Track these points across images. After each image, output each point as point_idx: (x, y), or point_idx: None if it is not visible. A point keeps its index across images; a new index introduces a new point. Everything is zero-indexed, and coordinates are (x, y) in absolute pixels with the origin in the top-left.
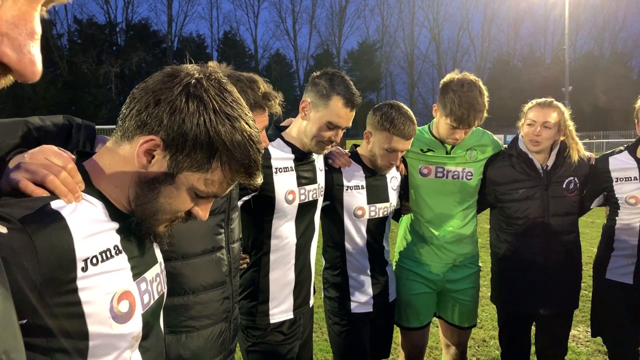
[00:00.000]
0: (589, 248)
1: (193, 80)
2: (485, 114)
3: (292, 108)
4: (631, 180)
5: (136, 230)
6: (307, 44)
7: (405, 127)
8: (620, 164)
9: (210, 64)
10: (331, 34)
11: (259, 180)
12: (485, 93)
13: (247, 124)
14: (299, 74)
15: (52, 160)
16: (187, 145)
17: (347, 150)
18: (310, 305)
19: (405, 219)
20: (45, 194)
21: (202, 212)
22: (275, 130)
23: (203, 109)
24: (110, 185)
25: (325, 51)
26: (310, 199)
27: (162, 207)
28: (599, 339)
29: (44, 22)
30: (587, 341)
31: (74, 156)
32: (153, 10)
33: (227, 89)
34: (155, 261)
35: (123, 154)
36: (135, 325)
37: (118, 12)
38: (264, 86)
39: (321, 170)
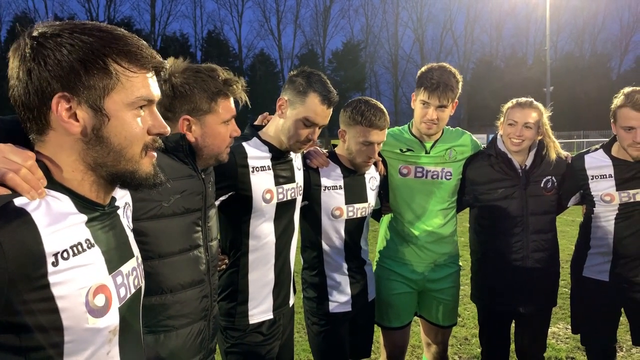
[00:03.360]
0: (569, 246)
1: (26, 38)
2: (458, 92)
3: (246, 82)
4: (606, 177)
5: (130, 183)
6: (291, 43)
7: (377, 118)
8: (595, 162)
9: (168, 60)
10: (316, 34)
11: (158, 56)
12: (460, 80)
13: (99, 25)
14: (284, 74)
15: (10, 158)
16: (81, 74)
17: (325, 150)
18: (291, 305)
19: (386, 219)
20: (6, 192)
21: (158, 123)
22: (252, 129)
23: (60, 39)
24: (68, 174)
25: (310, 51)
26: (289, 198)
27: (121, 145)
28: (578, 336)
29: (23, 19)
30: (566, 338)
31: (33, 153)
32: (136, 9)
33: (55, 22)
34: (131, 255)
35: (54, 141)
36: (111, 319)
37: (100, 11)
38: (223, 73)
39: (299, 170)
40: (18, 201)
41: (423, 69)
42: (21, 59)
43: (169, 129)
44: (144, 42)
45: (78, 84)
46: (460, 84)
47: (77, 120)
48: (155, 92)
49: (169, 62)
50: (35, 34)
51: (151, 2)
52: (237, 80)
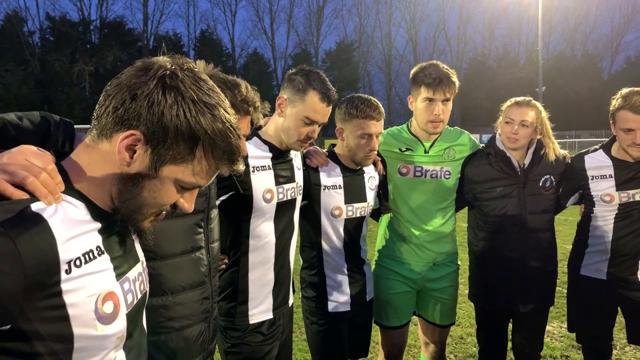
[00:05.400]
0: (563, 245)
1: (167, 72)
2: (457, 85)
3: (270, 108)
4: (606, 178)
5: (122, 227)
6: (285, 43)
7: (372, 109)
8: (595, 162)
9: (198, 63)
10: (309, 34)
11: (242, 167)
12: (454, 74)
13: (225, 111)
14: (277, 74)
15: (31, 161)
16: (168, 137)
17: (324, 150)
18: (290, 305)
19: (385, 219)
20: (25, 196)
21: (188, 203)
22: (252, 129)
23: (181, 100)
24: (90, 184)
25: (303, 50)
26: (289, 197)
27: (147, 202)
28: (573, 334)
29: (14, 17)
30: (561, 336)
31: (53, 156)
32: (128, 8)
33: (201, 78)
34: (137, 260)
35: (102, 152)
36: (119, 326)
37: (92, 10)
38: (247, 92)
39: (299, 169)
40: (35, 206)
41: (416, 68)
42: (145, 79)
43: (192, 209)
44: (240, 145)
45: (159, 141)
46: (456, 77)
47: (131, 157)
48: (208, 183)
49: (200, 67)
50: (168, 80)
51: (144, 1)
52: (257, 102)
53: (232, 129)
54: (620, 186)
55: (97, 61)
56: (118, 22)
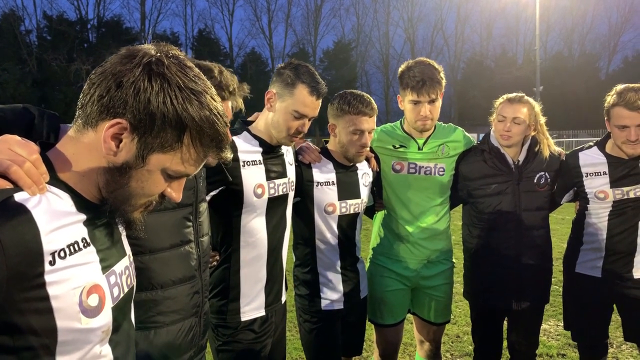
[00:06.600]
0: (560, 244)
1: (153, 59)
2: (444, 81)
3: (249, 89)
4: (600, 175)
5: (109, 219)
6: (282, 42)
7: (364, 105)
8: (590, 159)
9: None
10: (307, 33)
11: (229, 154)
12: (440, 69)
13: (212, 98)
14: None
15: (15, 150)
16: (155, 125)
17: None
18: (283, 302)
19: (379, 216)
20: (8, 185)
21: (176, 193)
22: (242, 123)
23: (168, 87)
24: (76, 175)
25: (301, 50)
26: (280, 193)
27: (135, 192)
28: (569, 333)
29: (11, 16)
30: (557, 335)
31: (37, 146)
32: (125, 7)
33: (187, 65)
34: (124, 253)
35: (87, 141)
36: (105, 320)
37: (89, 9)
38: (222, 76)
39: (291, 165)
40: (18, 196)
41: (402, 67)
42: (130, 67)
43: (180, 198)
44: (227, 132)
45: (145, 129)
46: (442, 73)
47: (117, 146)
48: (196, 171)
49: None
50: (154, 67)
51: (141, 0)
52: (233, 84)
53: (218, 115)
54: (615, 183)
55: (95, 60)
56: (115, 21)
